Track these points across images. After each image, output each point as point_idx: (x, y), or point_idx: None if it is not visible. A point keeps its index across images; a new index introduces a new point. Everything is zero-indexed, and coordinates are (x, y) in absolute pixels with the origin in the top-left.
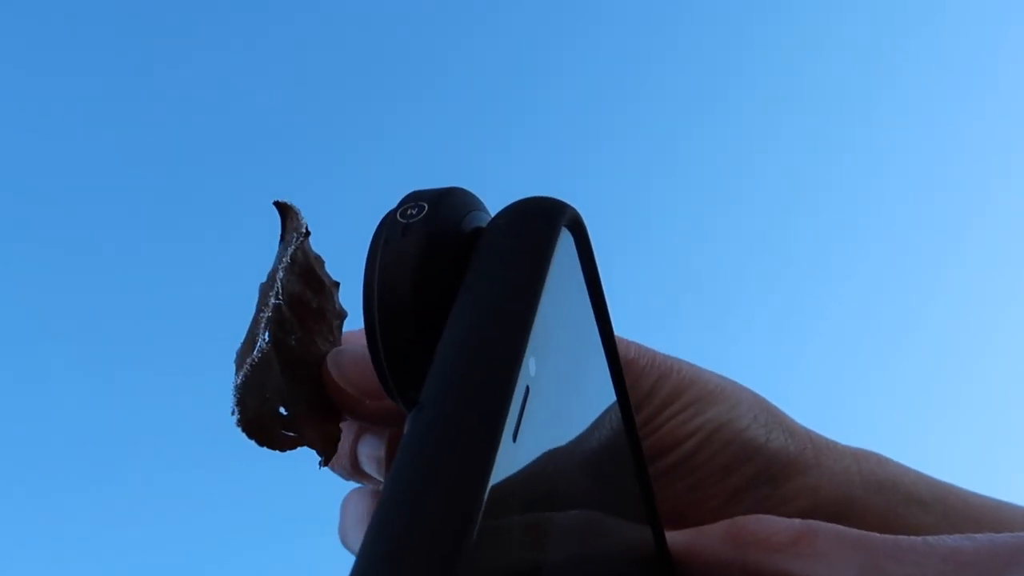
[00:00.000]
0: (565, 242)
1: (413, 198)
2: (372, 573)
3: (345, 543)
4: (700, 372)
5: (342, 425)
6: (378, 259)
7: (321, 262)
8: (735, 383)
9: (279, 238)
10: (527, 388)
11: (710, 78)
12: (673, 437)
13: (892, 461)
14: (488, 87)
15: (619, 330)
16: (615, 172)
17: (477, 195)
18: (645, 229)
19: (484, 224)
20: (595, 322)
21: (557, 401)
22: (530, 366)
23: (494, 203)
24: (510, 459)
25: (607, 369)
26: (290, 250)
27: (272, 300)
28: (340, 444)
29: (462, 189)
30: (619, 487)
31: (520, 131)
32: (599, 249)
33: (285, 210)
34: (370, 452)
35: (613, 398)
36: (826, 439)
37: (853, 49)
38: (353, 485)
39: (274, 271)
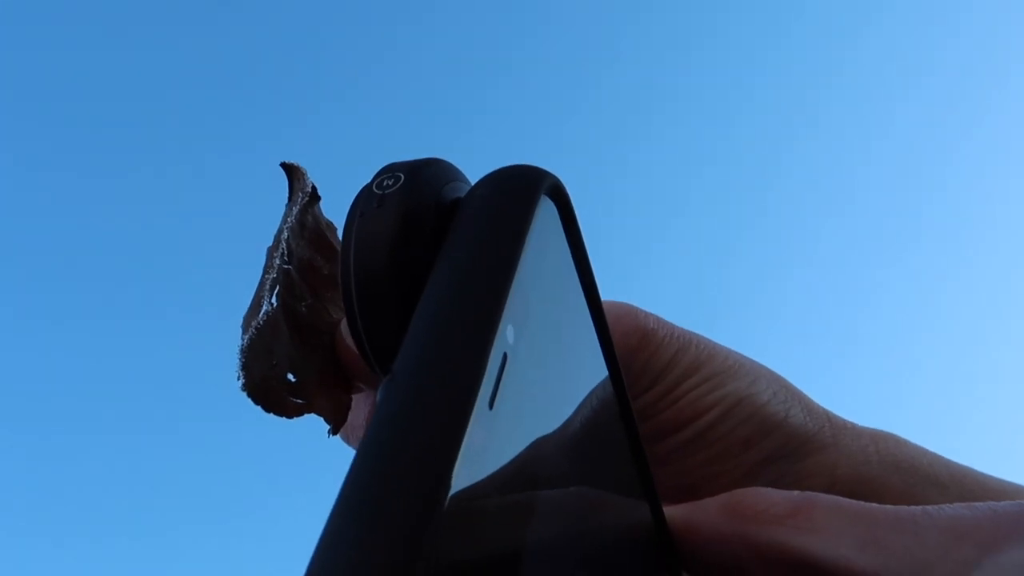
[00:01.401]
0: (546, 210)
1: (389, 169)
2: (341, 539)
3: None
4: (718, 347)
5: (357, 395)
6: (353, 232)
7: (333, 228)
8: (752, 360)
9: (287, 199)
10: (504, 355)
11: (734, 71)
12: (692, 409)
13: (909, 442)
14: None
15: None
16: (639, 166)
17: (458, 166)
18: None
19: (463, 195)
20: (583, 293)
21: (541, 371)
22: (508, 333)
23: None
24: (487, 426)
25: (597, 341)
26: (295, 210)
27: (277, 262)
28: (353, 414)
29: (441, 160)
30: (613, 461)
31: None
32: (624, 234)
33: (291, 171)
34: None
35: (604, 372)
36: (843, 419)
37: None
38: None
39: (279, 232)
